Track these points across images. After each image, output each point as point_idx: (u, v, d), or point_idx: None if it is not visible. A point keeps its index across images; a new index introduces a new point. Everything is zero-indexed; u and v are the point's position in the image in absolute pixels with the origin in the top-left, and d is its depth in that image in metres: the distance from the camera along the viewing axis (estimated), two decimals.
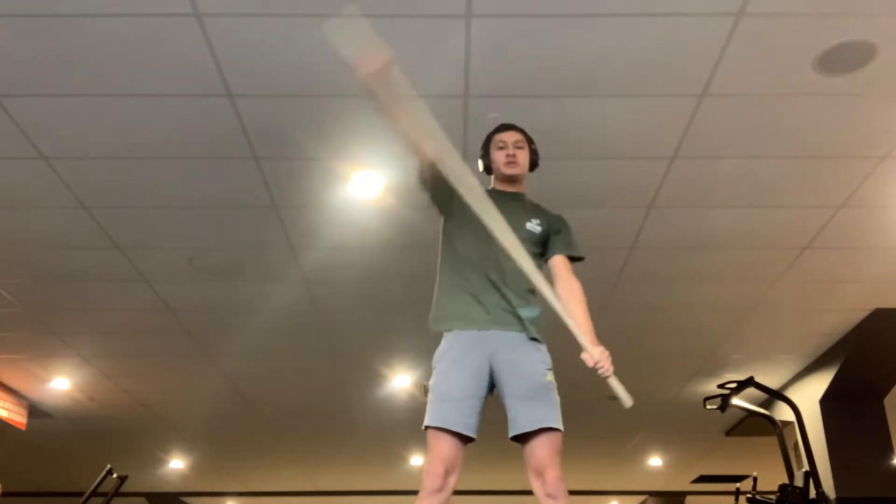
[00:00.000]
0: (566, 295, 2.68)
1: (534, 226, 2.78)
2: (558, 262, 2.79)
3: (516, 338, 2.60)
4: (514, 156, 2.82)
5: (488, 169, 2.91)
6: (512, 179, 2.85)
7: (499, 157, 2.84)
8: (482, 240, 2.66)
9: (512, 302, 2.63)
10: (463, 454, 2.53)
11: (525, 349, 2.60)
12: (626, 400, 2.58)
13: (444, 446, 2.50)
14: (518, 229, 2.69)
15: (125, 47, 3.30)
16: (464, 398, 2.53)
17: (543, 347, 2.64)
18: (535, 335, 2.63)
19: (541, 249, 2.79)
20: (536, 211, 2.85)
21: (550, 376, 2.59)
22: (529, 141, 2.90)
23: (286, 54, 3.37)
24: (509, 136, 2.86)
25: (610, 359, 2.57)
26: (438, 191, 2.73)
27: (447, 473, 2.48)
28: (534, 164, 2.91)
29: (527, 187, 2.91)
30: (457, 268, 2.72)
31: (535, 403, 2.52)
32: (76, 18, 3.15)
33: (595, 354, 2.57)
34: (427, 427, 2.54)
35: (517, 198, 2.84)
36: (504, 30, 3.26)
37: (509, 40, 3.31)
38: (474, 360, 2.57)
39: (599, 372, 2.57)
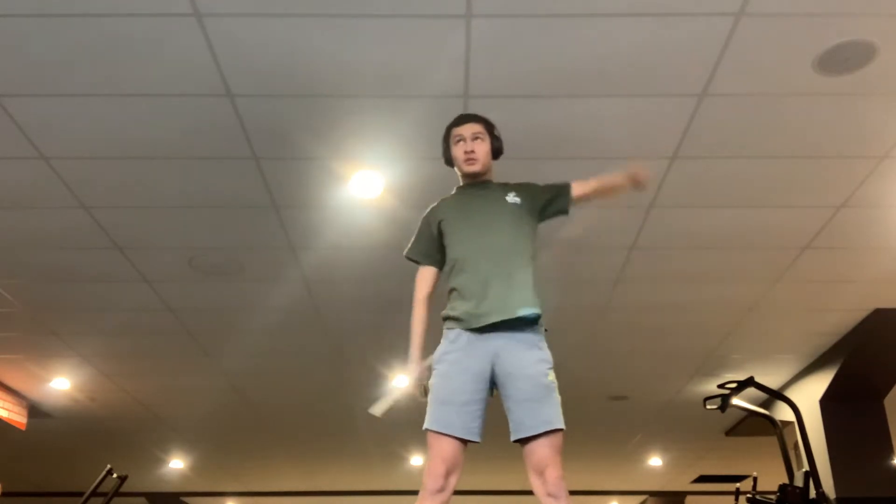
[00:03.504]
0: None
1: (513, 198, 2.77)
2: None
3: (516, 336, 2.58)
4: (472, 151, 2.77)
5: (449, 162, 2.88)
6: (474, 176, 2.82)
7: (458, 153, 2.80)
8: (473, 236, 2.70)
9: (509, 290, 2.60)
10: (464, 454, 2.53)
11: (527, 348, 2.57)
12: None
13: (446, 447, 2.49)
14: (500, 207, 2.74)
15: (125, 47, 3.30)
16: (465, 402, 2.52)
17: (544, 345, 2.62)
18: (532, 319, 2.61)
19: (529, 222, 2.79)
20: (508, 187, 2.83)
21: (552, 376, 2.57)
22: (490, 129, 2.84)
23: (286, 54, 3.37)
24: (467, 130, 2.80)
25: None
26: (434, 250, 2.82)
27: (448, 474, 2.48)
28: (497, 152, 2.86)
29: (494, 174, 2.88)
30: (455, 270, 2.72)
31: (539, 405, 2.50)
32: (76, 18, 3.15)
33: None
34: (428, 429, 2.53)
35: (486, 185, 2.83)
36: (504, 30, 3.26)
37: (509, 40, 3.31)
38: (475, 362, 2.55)
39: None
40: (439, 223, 2.79)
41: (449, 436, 2.49)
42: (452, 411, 2.51)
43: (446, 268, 2.77)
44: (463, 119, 2.86)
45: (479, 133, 2.81)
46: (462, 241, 2.73)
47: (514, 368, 2.54)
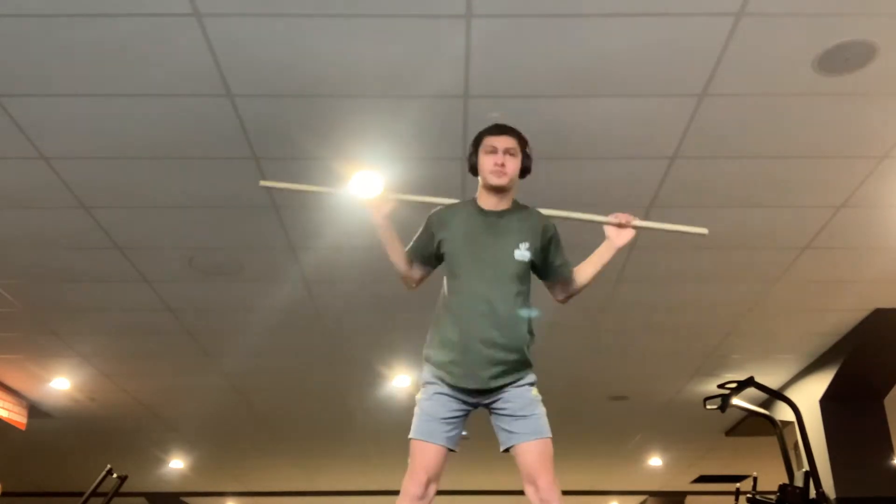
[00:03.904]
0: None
1: (522, 252, 2.63)
2: (553, 283, 2.82)
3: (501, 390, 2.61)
4: (502, 165, 2.63)
5: (473, 169, 2.74)
6: (498, 190, 2.67)
7: (487, 163, 2.65)
8: (472, 280, 2.63)
9: (488, 360, 2.57)
10: (445, 464, 2.59)
11: (512, 377, 2.62)
12: (694, 229, 2.90)
13: (430, 456, 2.56)
14: (507, 260, 2.62)
15: (125, 47, 3.30)
16: (448, 419, 2.59)
17: (527, 369, 2.66)
18: (521, 372, 2.62)
19: (528, 274, 2.70)
20: (523, 229, 2.68)
21: (535, 391, 2.63)
22: (523, 145, 2.71)
23: (286, 54, 3.37)
24: (501, 142, 2.66)
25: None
26: (430, 256, 2.78)
27: (429, 482, 2.55)
28: (525, 171, 2.73)
29: (516, 192, 2.75)
30: (446, 303, 2.69)
31: (527, 418, 2.57)
32: (76, 18, 3.15)
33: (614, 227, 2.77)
34: (412, 438, 2.60)
35: (502, 216, 2.68)
36: (504, 30, 3.26)
37: (509, 40, 3.31)
38: (460, 392, 2.61)
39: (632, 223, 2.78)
40: (440, 242, 2.70)
41: (432, 444, 2.57)
42: (436, 424, 2.58)
43: (443, 290, 2.73)
44: (500, 129, 2.71)
45: (513, 149, 2.67)
46: (459, 280, 2.65)
47: (500, 393, 2.60)
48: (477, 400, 2.62)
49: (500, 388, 2.59)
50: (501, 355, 2.57)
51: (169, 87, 3.55)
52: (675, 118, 3.80)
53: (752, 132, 3.90)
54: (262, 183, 3.12)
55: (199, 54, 3.34)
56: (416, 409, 2.64)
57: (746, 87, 3.59)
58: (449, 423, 2.58)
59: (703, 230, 2.92)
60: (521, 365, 2.62)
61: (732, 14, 3.17)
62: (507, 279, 2.62)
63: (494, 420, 2.63)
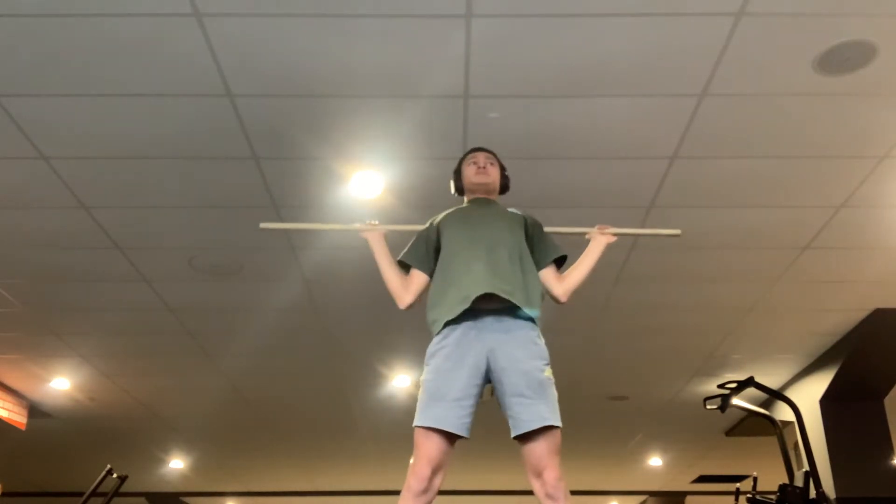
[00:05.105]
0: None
1: (515, 211, 2.91)
2: (548, 274, 2.86)
3: (511, 331, 2.58)
4: (484, 167, 2.97)
5: (460, 190, 3.05)
6: (483, 189, 2.96)
7: (469, 171, 2.98)
8: (466, 231, 2.79)
9: (492, 273, 2.62)
10: (450, 455, 2.51)
11: (522, 344, 2.56)
12: (667, 231, 3.11)
13: (433, 447, 2.48)
14: (500, 215, 2.85)
15: (125, 47, 3.30)
16: (457, 398, 2.50)
17: (541, 340, 2.62)
18: (529, 306, 2.61)
19: (523, 236, 2.83)
20: (512, 208, 2.96)
21: (549, 371, 2.56)
22: (502, 165, 3.05)
23: (286, 54, 3.37)
24: (480, 155, 3.01)
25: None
26: (429, 253, 2.88)
27: (434, 474, 2.47)
28: (504, 188, 3.06)
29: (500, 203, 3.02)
30: (444, 265, 2.76)
31: (535, 401, 2.49)
32: (76, 18, 3.15)
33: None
34: (417, 426, 2.52)
35: (490, 202, 2.97)
36: (504, 30, 3.26)
37: (509, 40, 3.31)
38: (470, 356, 2.54)
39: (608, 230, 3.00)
40: (438, 228, 2.87)
41: (439, 433, 2.48)
42: (445, 407, 2.50)
43: (437, 268, 2.79)
44: (478, 148, 3.07)
45: (492, 160, 3.01)
46: (454, 237, 2.79)
47: (509, 363, 2.53)
48: (489, 326, 2.55)
49: (509, 312, 2.57)
50: (505, 273, 2.63)
51: (169, 87, 3.55)
52: (675, 118, 3.80)
53: (752, 132, 3.90)
54: (262, 225, 3.37)
55: (199, 54, 3.34)
56: (421, 393, 2.55)
57: (746, 87, 3.59)
58: (461, 406, 2.49)
59: (677, 231, 3.15)
60: (528, 292, 2.63)
61: (732, 14, 3.17)
62: (504, 226, 2.79)
63: (503, 401, 2.53)
